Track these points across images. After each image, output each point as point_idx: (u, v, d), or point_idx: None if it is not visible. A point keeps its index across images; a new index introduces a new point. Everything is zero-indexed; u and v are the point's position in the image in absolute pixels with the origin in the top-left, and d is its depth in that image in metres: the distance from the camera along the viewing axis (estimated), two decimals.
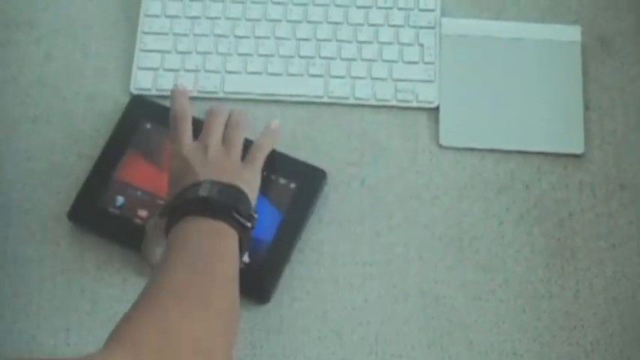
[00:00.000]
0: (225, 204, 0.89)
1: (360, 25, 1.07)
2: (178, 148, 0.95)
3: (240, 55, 1.06)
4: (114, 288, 0.99)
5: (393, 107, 1.04)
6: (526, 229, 1.00)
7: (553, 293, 0.97)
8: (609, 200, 1.01)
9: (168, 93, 1.02)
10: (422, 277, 0.98)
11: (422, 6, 1.07)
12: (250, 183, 0.95)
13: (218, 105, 1.00)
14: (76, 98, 1.06)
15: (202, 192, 0.89)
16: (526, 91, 1.04)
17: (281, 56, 1.06)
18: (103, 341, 0.95)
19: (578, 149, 1.02)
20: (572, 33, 1.06)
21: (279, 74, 1.06)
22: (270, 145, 0.99)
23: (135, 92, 1.05)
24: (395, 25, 1.07)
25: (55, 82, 1.07)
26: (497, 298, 0.98)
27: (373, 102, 1.04)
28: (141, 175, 1.00)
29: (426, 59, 1.05)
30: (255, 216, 0.91)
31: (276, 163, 1.00)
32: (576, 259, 0.98)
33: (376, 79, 1.05)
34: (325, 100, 1.04)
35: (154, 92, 1.05)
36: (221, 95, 1.05)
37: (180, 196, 0.90)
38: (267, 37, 1.07)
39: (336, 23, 1.07)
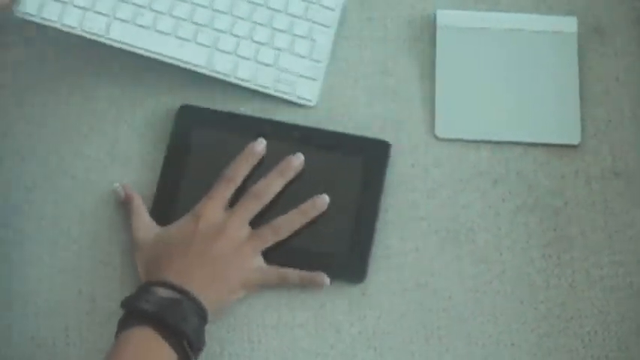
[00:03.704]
0: (180, 331, 0.86)
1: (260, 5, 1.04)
2: (199, 214, 0.94)
3: (133, 4, 1.02)
4: (112, 287, 0.99)
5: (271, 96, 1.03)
6: (522, 219, 0.99)
7: (550, 284, 0.97)
8: (605, 190, 1.00)
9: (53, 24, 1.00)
10: (419, 269, 0.98)
11: None
12: (239, 272, 0.94)
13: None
14: None
15: (147, 305, 0.86)
16: (522, 83, 1.04)
17: (173, 16, 1.03)
18: (101, 340, 0.96)
19: (575, 140, 1.02)
20: (568, 24, 1.06)
21: (168, 34, 1.02)
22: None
23: (19, 15, 1.01)
24: (292, 15, 1.04)
25: None
26: (494, 289, 0.97)
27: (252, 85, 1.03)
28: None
29: (314, 57, 1.04)
30: (203, 347, 0.88)
31: (336, 142, 1.00)
32: (573, 249, 0.98)
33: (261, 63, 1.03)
34: (207, 72, 1.02)
35: (38, 20, 1.01)
36: (103, 40, 1.01)
37: (138, 298, 0.89)
38: None
39: (255, 4, 1.04)
